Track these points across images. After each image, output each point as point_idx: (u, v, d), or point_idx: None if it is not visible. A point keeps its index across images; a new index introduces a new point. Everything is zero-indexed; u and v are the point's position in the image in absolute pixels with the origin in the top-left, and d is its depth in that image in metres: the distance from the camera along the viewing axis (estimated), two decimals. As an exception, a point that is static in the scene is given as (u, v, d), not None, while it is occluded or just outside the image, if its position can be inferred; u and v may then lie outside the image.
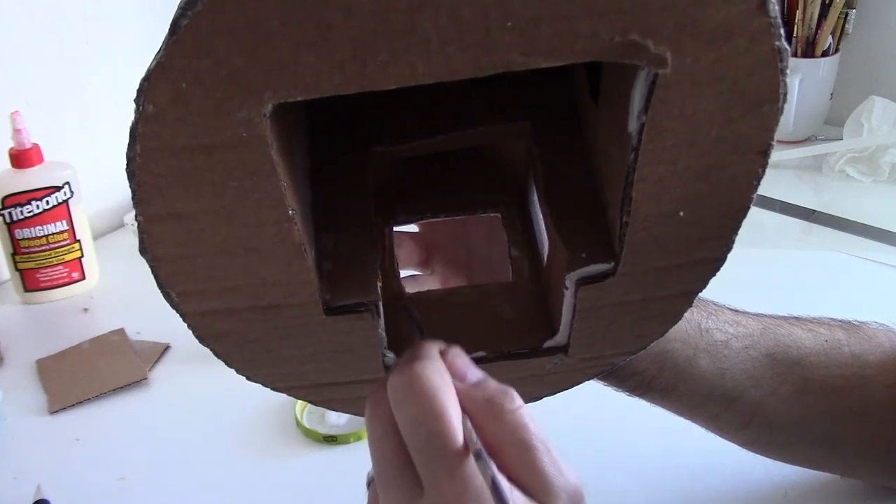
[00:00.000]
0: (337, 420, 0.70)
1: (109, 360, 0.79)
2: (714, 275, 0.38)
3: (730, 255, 0.37)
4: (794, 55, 1.16)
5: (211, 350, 0.37)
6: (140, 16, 1.02)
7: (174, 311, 0.35)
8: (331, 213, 0.38)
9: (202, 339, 0.36)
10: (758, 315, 0.55)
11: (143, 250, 0.32)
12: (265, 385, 0.39)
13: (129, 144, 0.29)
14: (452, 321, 0.42)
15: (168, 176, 0.30)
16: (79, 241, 0.89)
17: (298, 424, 0.70)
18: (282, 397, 0.40)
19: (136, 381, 0.76)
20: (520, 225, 0.45)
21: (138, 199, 0.31)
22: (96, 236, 0.95)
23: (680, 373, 0.50)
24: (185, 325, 0.36)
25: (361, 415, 0.36)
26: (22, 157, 0.84)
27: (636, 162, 0.33)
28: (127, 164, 0.30)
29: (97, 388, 0.75)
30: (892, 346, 0.56)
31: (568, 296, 0.38)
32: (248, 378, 0.39)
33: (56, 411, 0.73)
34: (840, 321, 0.57)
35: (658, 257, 0.36)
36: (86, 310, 0.88)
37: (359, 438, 0.69)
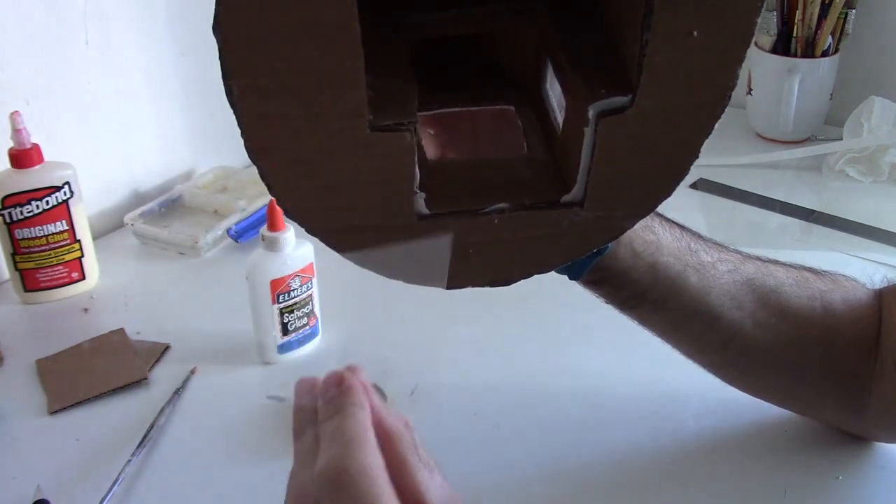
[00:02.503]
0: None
1: (109, 360, 0.79)
2: (717, 119, 0.40)
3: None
4: (794, 55, 1.16)
5: (259, 168, 0.39)
6: (140, 16, 1.02)
7: (231, 110, 0.36)
8: (369, 59, 0.39)
9: (253, 151, 0.38)
10: (736, 250, 0.59)
11: (216, 28, 0.34)
12: (301, 223, 0.41)
13: None
14: (476, 180, 0.45)
15: None
16: (79, 241, 0.89)
17: (298, 424, 0.70)
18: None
19: (136, 381, 0.76)
20: (533, 115, 0.48)
21: None
22: (96, 236, 0.95)
23: (671, 286, 0.54)
24: (240, 133, 0.37)
25: (382, 272, 0.42)
26: (22, 157, 0.84)
27: None
28: None
29: (97, 388, 0.75)
30: (854, 288, 0.61)
31: (588, 134, 0.40)
32: (287, 212, 0.40)
33: (56, 411, 0.73)
34: (807, 267, 0.61)
35: (671, 90, 0.38)
36: (86, 310, 0.88)
37: (359, 438, 0.68)
